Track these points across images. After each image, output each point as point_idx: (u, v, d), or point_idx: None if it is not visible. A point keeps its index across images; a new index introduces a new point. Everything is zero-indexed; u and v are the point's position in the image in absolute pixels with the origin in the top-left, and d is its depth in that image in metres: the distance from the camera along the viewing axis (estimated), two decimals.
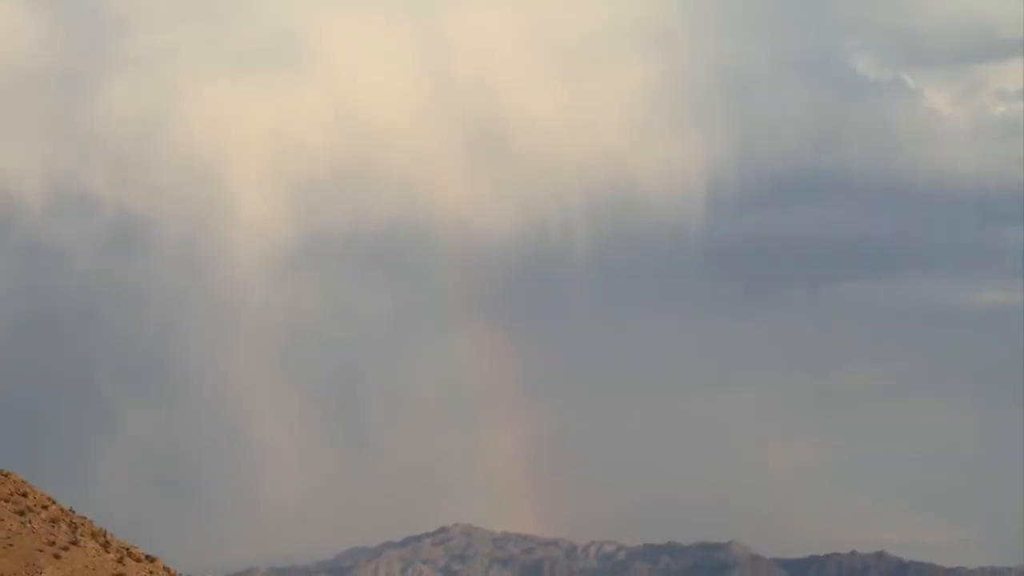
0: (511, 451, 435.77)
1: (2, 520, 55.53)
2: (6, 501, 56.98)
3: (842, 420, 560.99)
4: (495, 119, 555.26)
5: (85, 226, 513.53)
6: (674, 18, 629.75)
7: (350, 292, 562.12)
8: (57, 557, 54.20)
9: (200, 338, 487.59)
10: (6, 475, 59.15)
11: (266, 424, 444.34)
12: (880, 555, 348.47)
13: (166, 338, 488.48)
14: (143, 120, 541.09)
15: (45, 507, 58.16)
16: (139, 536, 61.99)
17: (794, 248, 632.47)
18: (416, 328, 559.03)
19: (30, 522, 56.21)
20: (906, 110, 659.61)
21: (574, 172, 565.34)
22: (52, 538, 55.53)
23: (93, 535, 57.80)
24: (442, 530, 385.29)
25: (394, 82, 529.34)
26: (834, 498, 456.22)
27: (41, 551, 54.19)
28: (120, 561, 56.41)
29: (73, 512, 59.61)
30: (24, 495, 58.09)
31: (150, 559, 58.95)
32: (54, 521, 57.24)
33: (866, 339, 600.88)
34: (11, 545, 54.11)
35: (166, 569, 58.85)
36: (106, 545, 57.54)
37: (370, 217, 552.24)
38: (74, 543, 55.95)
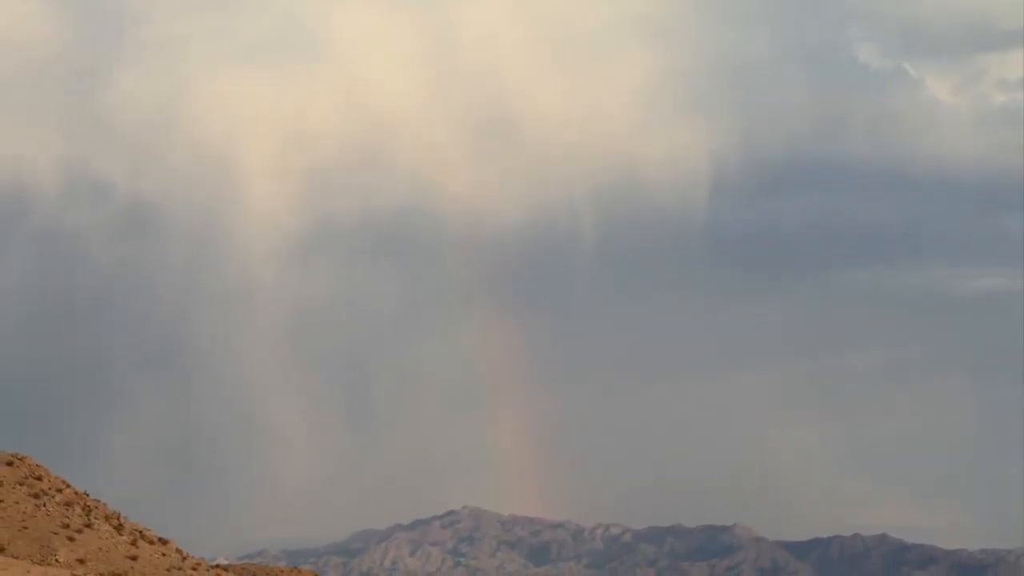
0: (518, 435, 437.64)
1: (17, 503, 56.41)
2: (21, 484, 57.84)
3: (844, 405, 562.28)
4: (502, 110, 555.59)
5: (98, 213, 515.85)
6: (679, 9, 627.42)
7: (360, 280, 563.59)
8: (71, 539, 55.03)
9: (212, 324, 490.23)
10: (21, 459, 59.98)
11: (277, 409, 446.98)
12: (882, 537, 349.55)
13: (178, 324, 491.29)
14: (156, 109, 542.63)
15: (60, 490, 58.98)
16: (152, 519, 62.90)
17: (796, 236, 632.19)
18: (425, 316, 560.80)
19: (45, 505, 57.05)
20: (908, 99, 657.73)
21: (580, 162, 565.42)
22: (66, 521, 56.38)
23: (107, 518, 58.64)
24: (450, 513, 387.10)
25: (401, 74, 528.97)
26: (836, 481, 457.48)
27: (55, 533, 55.05)
28: (133, 544, 57.22)
29: (87, 495, 60.44)
30: (39, 478, 58.93)
31: (163, 542, 59.79)
32: (68, 504, 58.07)
33: (868, 325, 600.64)
34: (26, 527, 54.93)
35: (178, 551, 59.68)
36: (119, 528, 58.35)
37: (379, 205, 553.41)
38: (88, 526, 56.77)
